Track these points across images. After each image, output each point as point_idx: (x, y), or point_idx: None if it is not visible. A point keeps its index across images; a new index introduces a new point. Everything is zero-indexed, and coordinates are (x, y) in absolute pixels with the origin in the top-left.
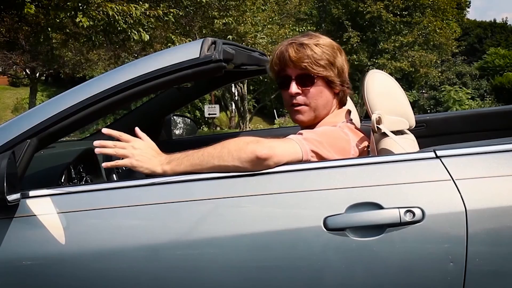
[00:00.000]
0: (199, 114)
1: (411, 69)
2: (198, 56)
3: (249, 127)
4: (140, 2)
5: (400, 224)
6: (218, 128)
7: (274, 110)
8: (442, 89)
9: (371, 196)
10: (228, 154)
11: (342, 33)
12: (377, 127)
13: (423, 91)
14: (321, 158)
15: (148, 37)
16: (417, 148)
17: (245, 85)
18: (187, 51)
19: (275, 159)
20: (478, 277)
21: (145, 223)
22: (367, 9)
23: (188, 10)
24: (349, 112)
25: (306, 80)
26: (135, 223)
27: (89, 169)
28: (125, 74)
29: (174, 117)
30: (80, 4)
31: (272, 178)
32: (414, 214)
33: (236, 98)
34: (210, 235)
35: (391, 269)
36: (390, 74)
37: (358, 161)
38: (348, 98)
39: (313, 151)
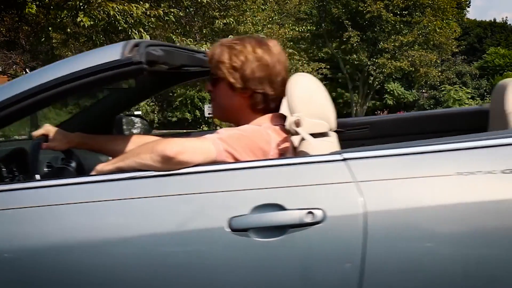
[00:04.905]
0: (199, 114)
1: (411, 68)
2: (119, 57)
3: None
4: (141, 2)
5: (301, 225)
6: (218, 127)
7: None
8: (442, 88)
9: (274, 197)
10: (145, 153)
11: (342, 33)
12: (293, 129)
13: (423, 90)
14: (234, 158)
15: (149, 37)
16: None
17: None
18: (110, 53)
19: (185, 157)
20: (375, 276)
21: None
22: (367, 9)
23: (189, 11)
24: (282, 116)
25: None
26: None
27: (21, 168)
28: (47, 75)
29: (128, 117)
30: (81, 4)
31: (179, 178)
32: (315, 215)
33: None
34: (118, 235)
35: (292, 269)
36: (390, 73)
37: (264, 163)
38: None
39: (227, 151)
